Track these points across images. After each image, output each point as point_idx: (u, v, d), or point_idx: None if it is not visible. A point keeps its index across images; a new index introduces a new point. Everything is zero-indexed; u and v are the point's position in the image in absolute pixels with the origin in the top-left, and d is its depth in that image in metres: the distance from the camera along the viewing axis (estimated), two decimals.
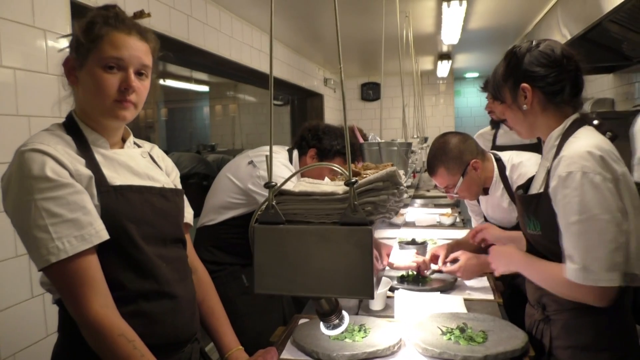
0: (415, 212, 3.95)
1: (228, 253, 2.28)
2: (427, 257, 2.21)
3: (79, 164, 1.14)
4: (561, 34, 3.83)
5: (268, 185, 0.91)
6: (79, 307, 1.08)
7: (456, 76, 7.93)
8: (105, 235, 1.12)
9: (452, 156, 2.04)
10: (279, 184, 0.93)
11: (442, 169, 2.06)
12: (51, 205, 1.07)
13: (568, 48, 1.46)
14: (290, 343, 1.59)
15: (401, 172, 1.31)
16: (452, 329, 1.58)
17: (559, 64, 1.42)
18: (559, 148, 1.39)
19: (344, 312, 1.06)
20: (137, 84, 1.18)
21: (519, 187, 1.66)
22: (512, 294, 2.15)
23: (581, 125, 1.42)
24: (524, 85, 1.43)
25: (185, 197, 1.43)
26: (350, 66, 7.05)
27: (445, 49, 5.85)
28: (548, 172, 1.39)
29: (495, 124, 3.23)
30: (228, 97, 6.71)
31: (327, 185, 0.98)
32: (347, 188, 0.90)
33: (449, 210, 3.78)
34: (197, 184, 3.88)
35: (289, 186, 0.95)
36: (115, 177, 1.20)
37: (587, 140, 1.35)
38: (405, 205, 4.14)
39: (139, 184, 1.24)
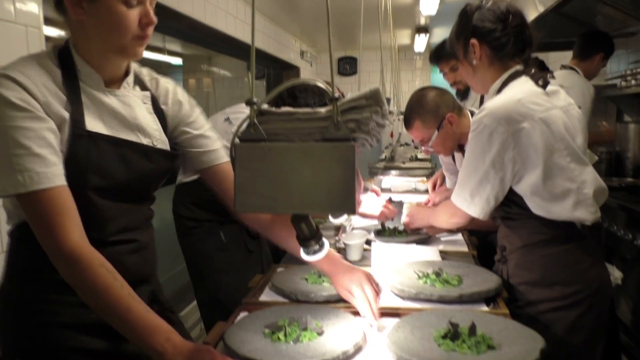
0: (391, 179, 3.98)
1: (206, 210, 2.27)
2: (404, 216, 2.24)
3: (55, 101, 1.08)
4: (536, 8, 3.87)
5: (249, 102, 0.90)
6: (56, 237, 1.05)
7: None
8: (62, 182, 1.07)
9: (428, 109, 2.05)
10: (260, 102, 0.91)
11: (418, 121, 2.08)
12: (18, 135, 1.03)
13: (515, 5, 1.57)
14: (269, 288, 1.59)
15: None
16: (427, 273, 1.60)
17: (503, 19, 1.53)
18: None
19: (324, 239, 1.06)
20: (155, 18, 1.13)
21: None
22: (485, 251, 2.20)
23: (518, 77, 1.53)
24: (473, 41, 1.55)
25: (211, 139, 1.38)
26: (326, 39, 6.99)
27: (422, 21, 5.86)
28: None
29: (463, 95, 3.24)
30: (202, 71, 6.58)
31: (310, 109, 0.98)
32: (329, 108, 0.90)
33: (424, 178, 3.82)
34: None
35: None
36: (96, 124, 1.15)
37: (510, 92, 1.50)
38: (381, 174, 4.18)
39: (121, 136, 1.19)
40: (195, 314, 3.38)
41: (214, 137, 1.40)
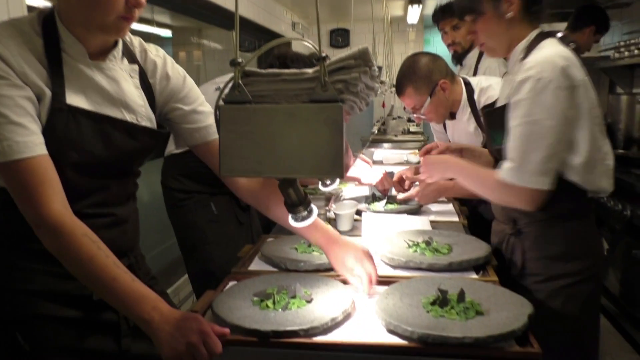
0: (383, 152, 3.96)
1: (196, 181, 2.24)
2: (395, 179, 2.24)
3: (33, 72, 1.04)
4: None
5: (234, 62, 0.87)
6: (38, 207, 1.02)
7: (426, 24, 7.84)
8: (43, 151, 1.04)
9: (420, 75, 2.02)
10: (244, 62, 0.88)
11: (410, 88, 2.04)
12: None
13: None
14: (258, 258, 1.58)
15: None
16: (418, 242, 1.60)
17: None
18: (524, 59, 1.40)
19: (313, 205, 1.04)
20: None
21: (485, 107, 1.68)
22: (475, 220, 2.20)
23: (545, 38, 1.43)
24: None
25: (204, 114, 1.33)
26: (319, 11, 6.87)
27: None
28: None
29: (459, 58, 3.17)
30: (192, 44, 6.46)
31: (297, 70, 0.95)
32: (316, 69, 0.87)
33: (416, 150, 3.81)
34: None
35: None
36: (77, 98, 1.11)
37: (551, 49, 1.37)
38: (373, 147, 4.16)
39: (104, 112, 1.15)
40: (187, 287, 3.38)
41: (206, 111, 1.35)
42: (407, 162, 3.49)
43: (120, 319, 1.24)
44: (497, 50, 1.52)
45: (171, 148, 2.30)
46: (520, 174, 1.34)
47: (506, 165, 1.37)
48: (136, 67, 1.25)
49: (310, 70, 0.88)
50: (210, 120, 1.34)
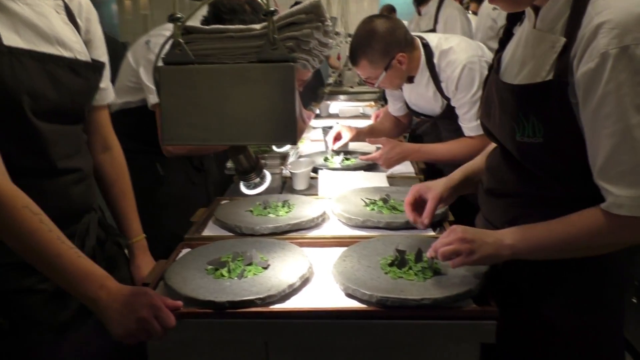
0: (339, 104, 3.90)
1: (139, 141, 2.12)
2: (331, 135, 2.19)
3: None
4: None
5: (173, 18, 0.78)
6: None
7: None
8: None
9: (376, 49, 1.89)
10: (185, 18, 0.80)
11: (365, 61, 1.93)
12: None
13: None
14: (212, 222, 1.53)
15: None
16: (375, 200, 1.58)
17: None
18: (578, 12, 0.95)
19: (266, 171, 0.99)
20: None
21: (490, 69, 1.21)
22: (432, 176, 2.20)
23: None
24: None
25: (107, 73, 1.27)
26: None
27: None
28: (563, 51, 0.96)
29: (420, 2, 3.05)
30: None
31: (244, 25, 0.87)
32: (265, 24, 0.80)
33: (372, 102, 3.77)
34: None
35: None
36: (13, 38, 1.02)
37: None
38: (328, 99, 4.09)
39: (44, 50, 1.07)
40: None
41: (106, 72, 1.29)
42: (363, 115, 3.45)
43: None
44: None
45: (114, 104, 2.17)
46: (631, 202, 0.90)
47: (622, 192, 0.90)
48: (61, 2, 1.17)
49: (258, 26, 0.81)
50: (105, 84, 1.29)
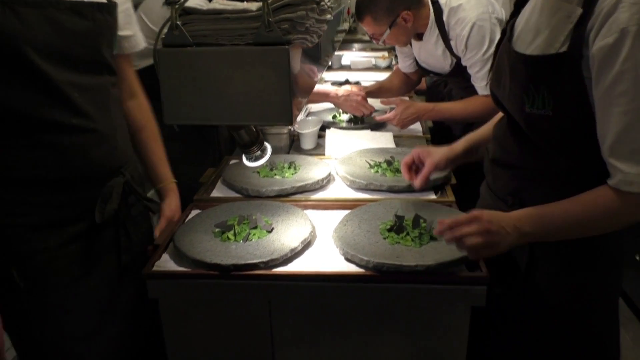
0: (351, 55, 3.85)
1: (154, 99, 2.15)
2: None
3: None
4: None
5: (169, 1, 0.80)
6: None
7: None
8: None
9: (380, 6, 1.86)
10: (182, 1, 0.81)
11: (369, 17, 1.90)
12: None
13: None
14: (221, 183, 1.58)
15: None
16: (379, 162, 1.61)
17: None
18: None
19: (267, 144, 1.03)
20: None
21: (503, 35, 1.18)
22: (439, 133, 2.21)
23: None
24: None
25: (132, 19, 1.22)
26: None
27: None
28: (579, 23, 0.93)
29: None
30: None
31: (240, 4, 0.88)
32: (260, 4, 0.81)
33: (385, 53, 3.71)
34: None
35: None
36: None
37: None
38: (341, 49, 4.03)
39: None
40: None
41: (133, 19, 1.25)
42: (375, 67, 3.41)
43: (120, 236, 1.23)
44: None
45: None
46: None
47: (629, 169, 0.91)
48: None
49: (254, 7, 0.82)
50: (133, 30, 1.25)
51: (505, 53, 1.13)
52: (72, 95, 1.08)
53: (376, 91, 2.33)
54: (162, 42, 0.82)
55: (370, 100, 2.25)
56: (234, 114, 0.84)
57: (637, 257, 2.28)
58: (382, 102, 2.12)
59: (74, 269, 1.15)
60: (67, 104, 1.08)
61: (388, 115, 2.01)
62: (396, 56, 3.68)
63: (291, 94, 0.81)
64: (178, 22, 0.81)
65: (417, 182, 1.35)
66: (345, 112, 2.19)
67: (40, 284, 1.12)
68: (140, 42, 1.29)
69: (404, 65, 2.35)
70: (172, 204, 1.40)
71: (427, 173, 1.34)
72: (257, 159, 1.02)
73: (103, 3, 1.13)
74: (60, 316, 1.16)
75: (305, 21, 0.82)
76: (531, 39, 1.06)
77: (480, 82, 1.88)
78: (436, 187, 1.49)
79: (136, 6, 2.29)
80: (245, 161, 1.05)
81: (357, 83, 2.51)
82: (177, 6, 0.80)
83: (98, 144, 1.15)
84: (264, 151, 1.02)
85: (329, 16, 0.91)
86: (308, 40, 0.91)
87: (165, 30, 0.83)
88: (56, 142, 1.08)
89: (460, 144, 1.38)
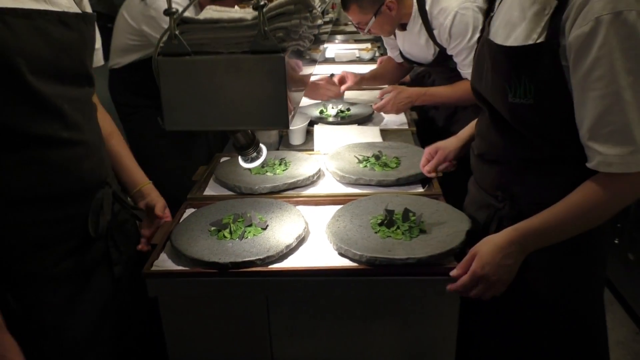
0: (335, 48, 3.87)
1: (140, 95, 2.18)
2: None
3: None
4: None
5: (168, 12, 0.82)
6: None
7: None
8: None
9: None
10: (180, 11, 0.84)
11: (354, 5, 1.94)
12: None
13: None
14: (213, 181, 1.61)
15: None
16: (367, 157, 1.65)
17: None
18: None
19: (262, 145, 1.06)
20: None
21: (482, 31, 1.25)
22: (424, 125, 2.25)
23: None
24: None
25: (97, 29, 1.21)
26: None
27: None
28: (554, 14, 0.99)
29: None
30: None
31: (235, 13, 0.91)
32: (256, 14, 0.84)
33: (368, 45, 3.74)
34: (100, 26, 3.53)
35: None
36: None
37: None
38: (324, 42, 4.04)
39: (29, 6, 1.00)
40: None
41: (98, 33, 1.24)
42: (360, 59, 3.44)
43: (109, 247, 1.22)
44: None
45: (111, 63, 2.21)
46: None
47: (614, 151, 0.95)
48: None
49: (249, 17, 0.85)
50: (99, 44, 1.24)
51: (485, 47, 1.17)
52: (63, 107, 1.06)
53: (370, 79, 2.38)
54: (162, 52, 0.84)
55: (366, 93, 2.31)
56: (232, 119, 0.87)
57: (616, 241, 2.36)
58: (379, 95, 2.14)
59: (68, 286, 1.13)
60: (57, 116, 1.06)
61: (382, 102, 2.06)
62: (379, 47, 3.73)
63: (287, 99, 0.84)
64: (176, 33, 0.83)
65: (427, 169, 1.52)
66: (333, 107, 2.23)
67: (37, 306, 1.09)
68: (101, 58, 1.29)
69: (393, 55, 2.40)
70: (159, 201, 1.37)
71: (434, 164, 1.51)
72: (253, 160, 1.06)
73: (86, 14, 1.13)
74: (57, 335, 1.13)
75: (299, 29, 0.85)
76: (509, 31, 1.11)
77: (467, 69, 1.92)
78: (423, 181, 1.54)
79: (119, 5, 2.31)
80: (241, 162, 1.08)
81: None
82: (175, 16, 0.83)
83: (88, 155, 1.14)
84: (259, 152, 1.05)
85: (320, 21, 0.95)
86: (301, 46, 0.94)
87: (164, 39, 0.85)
88: (46, 157, 1.05)
89: (465, 131, 1.49)
